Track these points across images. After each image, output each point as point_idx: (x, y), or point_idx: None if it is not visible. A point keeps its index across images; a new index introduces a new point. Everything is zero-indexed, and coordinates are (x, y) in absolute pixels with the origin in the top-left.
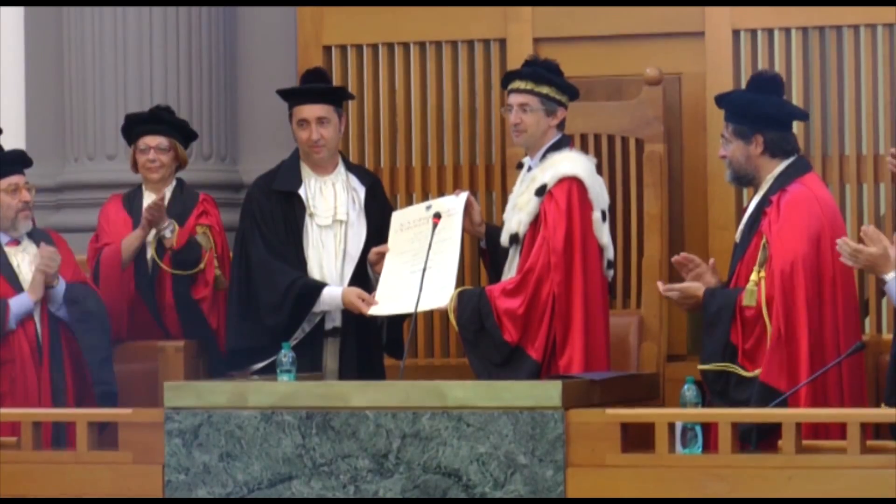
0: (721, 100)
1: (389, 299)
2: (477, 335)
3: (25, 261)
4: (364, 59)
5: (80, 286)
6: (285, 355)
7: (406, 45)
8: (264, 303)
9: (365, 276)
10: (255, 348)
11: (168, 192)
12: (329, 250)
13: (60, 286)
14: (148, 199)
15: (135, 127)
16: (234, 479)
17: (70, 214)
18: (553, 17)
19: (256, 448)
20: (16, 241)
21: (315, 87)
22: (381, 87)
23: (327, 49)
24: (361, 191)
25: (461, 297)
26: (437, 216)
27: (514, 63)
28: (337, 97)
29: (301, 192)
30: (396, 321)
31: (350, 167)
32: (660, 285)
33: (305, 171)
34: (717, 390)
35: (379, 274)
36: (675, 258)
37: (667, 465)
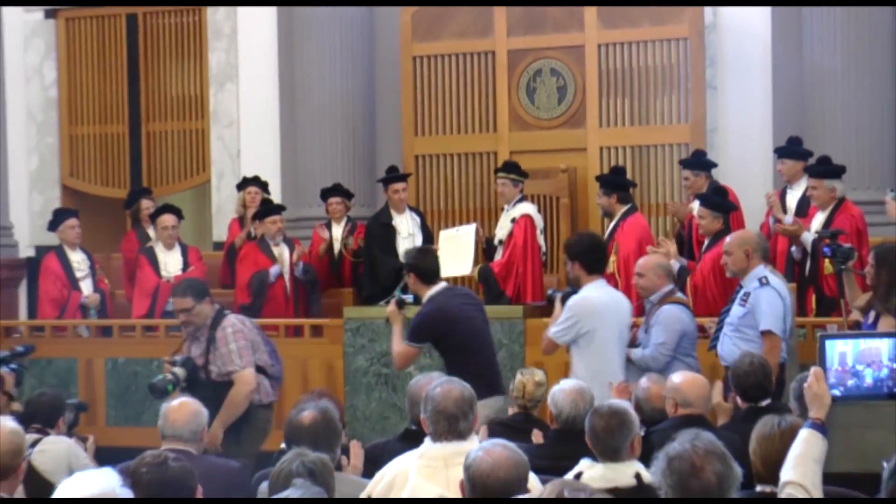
0: (598, 179)
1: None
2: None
3: (283, 253)
4: (433, 161)
5: (309, 265)
6: (405, 295)
7: (452, 155)
8: (382, 274)
9: None
10: (376, 295)
11: (343, 222)
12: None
13: (300, 265)
14: (334, 229)
15: (325, 194)
16: (374, 351)
17: (301, 231)
18: (520, 140)
19: (384, 337)
20: (276, 244)
21: (403, 174)
22: (441, 173)
23: (417, 156)
24: (418, 220)
25: (481, 269)
26: (462, 234)
27: (499, 164)
28: (407, 177)
29: (393, 223)
30: None
31: (410, 208)
32: None
33: (392, 212)
34: None
35: None
36: None
37: None
